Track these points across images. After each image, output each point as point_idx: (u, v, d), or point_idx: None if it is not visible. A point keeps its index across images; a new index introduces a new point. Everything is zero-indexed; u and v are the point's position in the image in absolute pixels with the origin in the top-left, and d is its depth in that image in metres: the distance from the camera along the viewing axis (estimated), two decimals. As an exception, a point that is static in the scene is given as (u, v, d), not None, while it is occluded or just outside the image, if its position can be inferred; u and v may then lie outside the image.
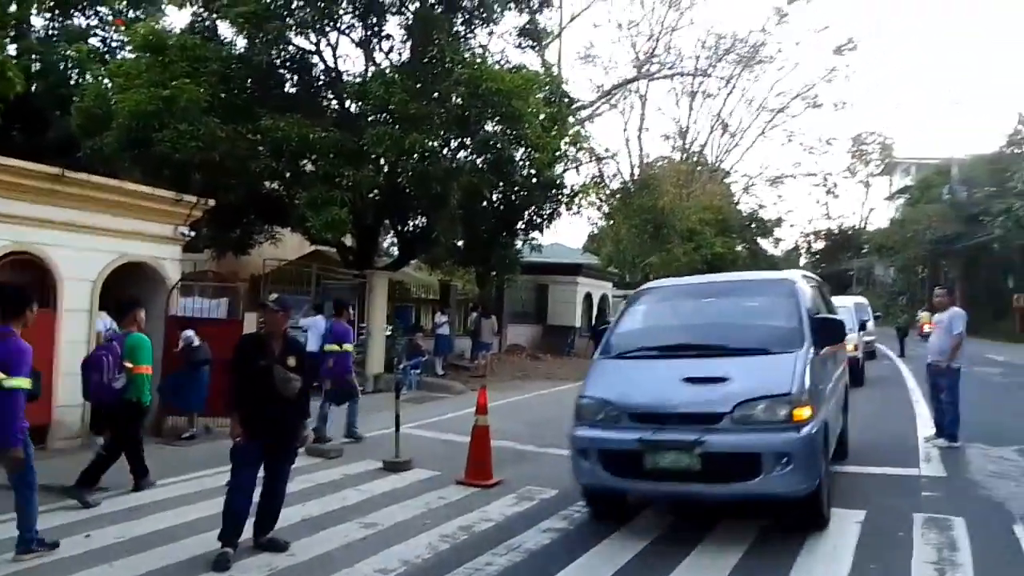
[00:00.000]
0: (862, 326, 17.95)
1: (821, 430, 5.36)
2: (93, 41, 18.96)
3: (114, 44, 19.35)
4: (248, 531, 5.31)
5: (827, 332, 6.04)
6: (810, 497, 5.23)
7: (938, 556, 5.04)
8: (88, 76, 17.01)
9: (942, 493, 6.82)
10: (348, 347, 9.86)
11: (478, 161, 15.92)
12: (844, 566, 4.87)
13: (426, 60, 15.22)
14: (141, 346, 7.02)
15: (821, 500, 5.45)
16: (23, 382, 4.86)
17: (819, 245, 64.41)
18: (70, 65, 17.56)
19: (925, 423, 10.15)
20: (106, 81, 15.76)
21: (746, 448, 5.06)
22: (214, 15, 15.56)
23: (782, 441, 5.02)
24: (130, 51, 16.74)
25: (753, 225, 46.16)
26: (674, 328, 6.60)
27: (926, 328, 25.74)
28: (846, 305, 17.01)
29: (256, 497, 5.36)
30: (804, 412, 5.13)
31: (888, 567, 4.87)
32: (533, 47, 19.07)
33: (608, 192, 31.70)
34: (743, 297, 6.88)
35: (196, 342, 9.62)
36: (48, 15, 18.73)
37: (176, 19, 40.19)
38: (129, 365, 6.85)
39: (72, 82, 17.19)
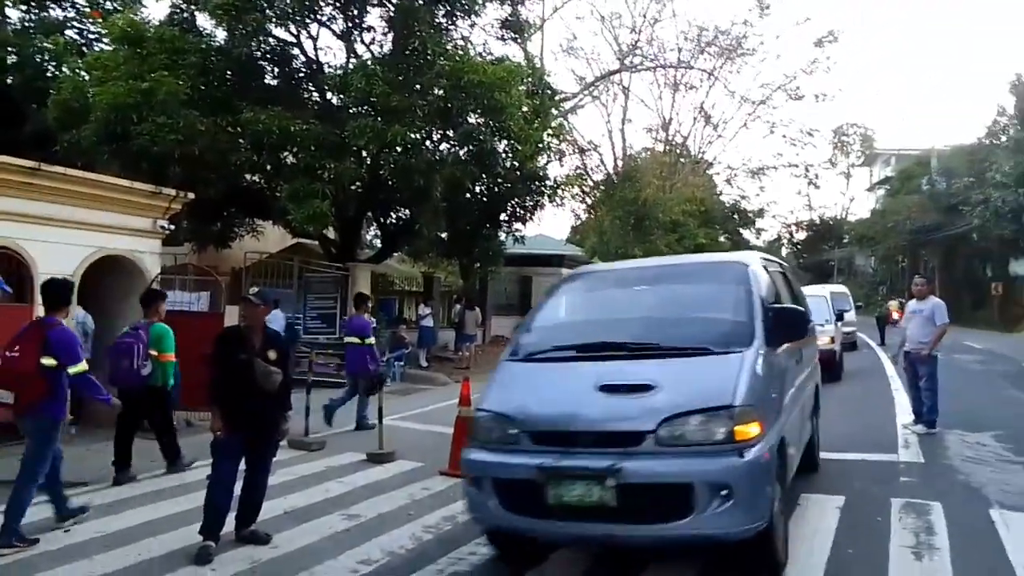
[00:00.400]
0: (839, 316, 16.71)
1: (774, 451, 4.32)
2: (70, 33, 18.68)
3: (91, 36, 19.07)
4: (230, 524, 5.30)
5: (785, 325, 4.99)
6: (759, 538, 4.14)
7: (916, 540, 5.10)
8: (65, 69, 16.77)
9: (920, 479, 6.90)
10: (369, 340, 10.17)
11: (461, 153, 15.90)
12: (824, 551, 4.91)
13: (408, 52, 15.15)
14: (166, 336, 7.42)
15: (774, 540, 4.34)
16: (83, 366, 5.48)
17: (801, 236, 64.83)
18: (47, 58, 17.30)
19: (904, 410, 10.26)
20: (83, 74, 15.57)
21: (673, 477, 4.00)
22: (193, 6, 15.42)
23: (720, 468, 3.98)
24: (107, 43, 16.54)
25: (736, 216, 46.39)
26: (598, 323, 5.50)
27: (894, 316, 26.24)
28: (822, 294, 16.48)
29: (238, 490, 5.34)
30: (750, 429, 4.08)
31: (866, 551, 4.92)
32: (515, 39, 19.05)
33: (591, 184, 31.81)
34: (684, 284, 5.66)
35: None
36: (24, 7, 18.41)
37: (154, 11, 39.83)
38: (155, 353, 7.28)
39: (49, 75, 16.93)
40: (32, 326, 5.55)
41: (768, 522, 4.15)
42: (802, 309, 5.56)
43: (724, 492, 3.93)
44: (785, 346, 5.10)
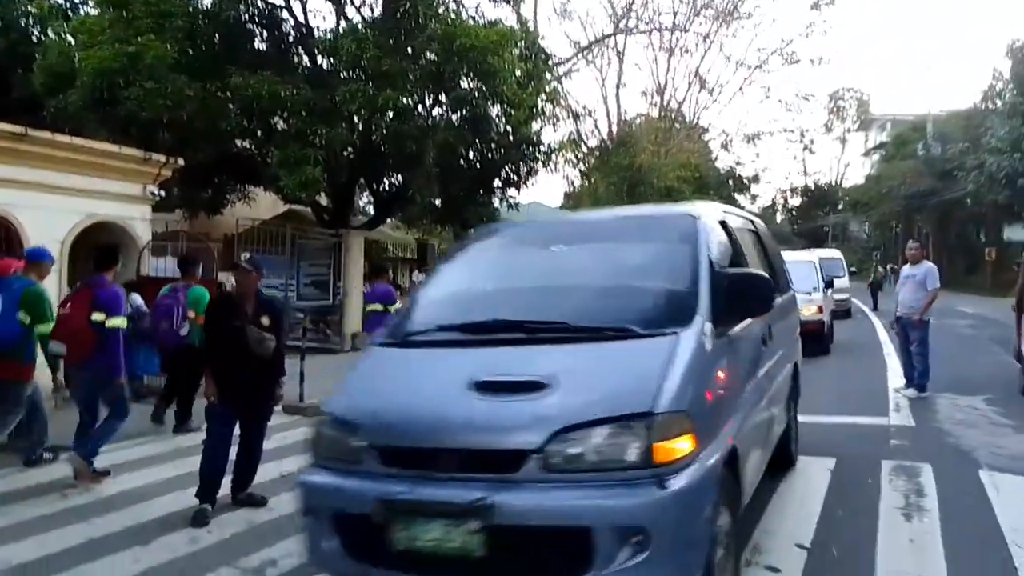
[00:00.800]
0: (829, 284, 15.09)
1: (717, 471, 3.15)
2: (55, -3, 18.40)
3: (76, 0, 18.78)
4: (226, 488, 5.33)
5: (743, 296, 3.76)
6: None
7: (905, 501, 5.16)
8: (51, 33, 16.52)
9: (911, 441, 6.98)
10: (392, 307, 10.43)
11: (453, 118, 15.75)
12: (814, 512, 4.96)
13: (399, 15, 14.89)
14: (203, 299, 7.62)
15: None
16: (121, 321, 5.89)
17: (795, 201, 64.86)
18: (32, 22, 17.04)
19: (896, 374, 10.34)
20: (69, 38, 15.33)
21: (564, 518, 2.89)
22: (178, -32, 15.09)
23: (630, 505, 2.85)
24: (93, 6, 16.24)
25: (731, 182, 46.32)
26: (498, 294, 4.31)
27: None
28: (810, 259, 15.40)
29: (233, 454, 5.38)
30: (678, 445, 2.95)
31: (856, 512, 4.97)
32: (508, 1, 18.76)
33: (586, 150, 31.69)
34: (614, 243, 4.46)
35: (144, 308, 9.60)
36: (6, -31, 18.09)
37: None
38: (193, 315, 7.63)
39: (34, 39, 16.68)
40: (82, 286, 6.12)
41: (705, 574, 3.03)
42: (765, 275, 4.08)
43: (637, 539, 2.82)
44: (745, 323, 3.95)
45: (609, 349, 3.37)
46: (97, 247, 6.44)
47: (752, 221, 5.92)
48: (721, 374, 3.52)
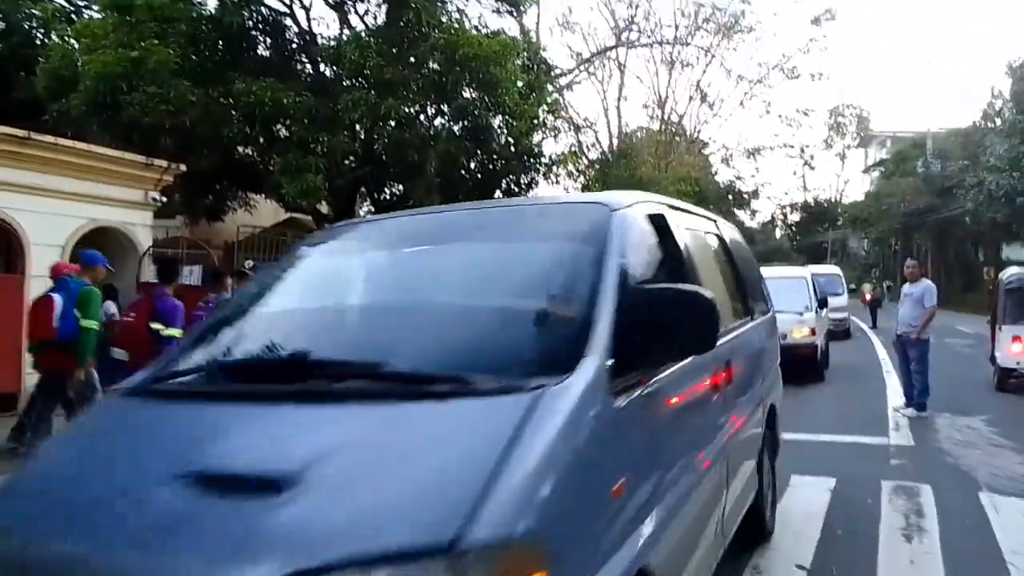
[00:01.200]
0: (823, 303, 12.88)
1: None
2: (59, 0, 18.45)
3: (80, 3, 18.81)
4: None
5: (667, 327, 2.37)
6: None
7: (905, 522, 5.13)
8: (54, 36, 16.54)
9: (910, 461, 6.96)
10: None
11: (455, 128, 15.76)
12: (814, 532, 4.94)
13: (402, 24, 14.93)
14: None
15: None
16: (177, 332, 6.18)
17: (795, 217, 64.95)
18: (35, 25, 17.07)
19: (895, 393, 10.32)
20: (72, 41, 15.33)
21: None
22: (183, -27, 15.12)
23: None
24: (96, 10, 16.27)
25: (730, 197, 46.37)
26: (305, 316, 3.08)
27: (867, 296, 27.61)
28: (801, 275, 13.47)
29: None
30: None
31: (856, 533, 4.94)
32: (511, 12, 18.80)
33: (587, 162, 31.75)
34: (496, 243, 3.08)
35: (117, 316, 9.59)
36: (11, -28, 18.14)
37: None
38: None
39: (38, 42, 16.71)
40: (145, 297, 6.70)
41: None
42: (705, 294, 2.45)
43: None
44: (680, 364, 2.67)
45: (423, 415, 2.04)
46: (161, 262, 6.92)
47: (716, 223, 4.63)
48: (624, 453, 2.26)
